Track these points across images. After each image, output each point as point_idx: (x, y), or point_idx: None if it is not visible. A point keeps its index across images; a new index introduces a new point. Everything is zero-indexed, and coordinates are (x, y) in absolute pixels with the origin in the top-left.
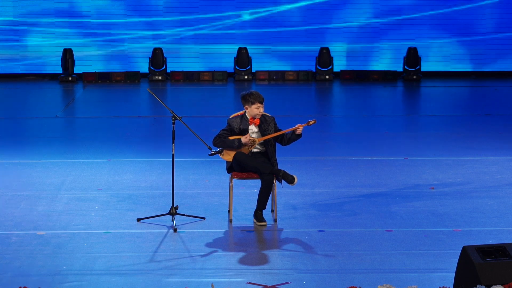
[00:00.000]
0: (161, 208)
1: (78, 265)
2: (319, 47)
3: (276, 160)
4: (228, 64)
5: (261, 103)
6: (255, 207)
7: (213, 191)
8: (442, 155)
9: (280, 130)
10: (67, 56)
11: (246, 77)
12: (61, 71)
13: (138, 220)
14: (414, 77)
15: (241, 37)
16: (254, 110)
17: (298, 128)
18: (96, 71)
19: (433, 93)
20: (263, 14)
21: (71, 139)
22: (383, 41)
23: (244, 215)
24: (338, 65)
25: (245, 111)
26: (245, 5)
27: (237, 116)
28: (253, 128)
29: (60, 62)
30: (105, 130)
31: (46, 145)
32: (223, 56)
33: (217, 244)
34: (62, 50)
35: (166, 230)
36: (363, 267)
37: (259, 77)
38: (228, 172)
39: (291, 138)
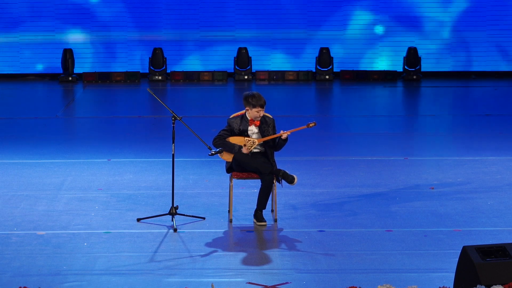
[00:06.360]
0: (161, 208)
1: (78, 265)
2: (319, 47)
3: (274, 160)
4: (228, 64)
5: (262, 107)
6: (255, 207)
7: (213, 191)
8: (442, 155)
9: (276, 133)
10: (67, 56)
11: (246, 77)
12: (61, 71)
13: (138, 220)
14: (414, 77)
15: (241, 37)
16: (255, 113)
17: (282, 135)
18: (96, 71)
19: (433, 93)
20: (263, 14)
21: (71, 139)
22: (383, 41)
23: (244, 215)
24: (338, 65)
25: (245, 112)
26: (245, 5)
27: (237, 116)
28: (253, 129)
29: (60, 62)
30: (105, 130)
31: (46, 145)
32: (223, 56)
33: (217, 244)
34: (62, 50)
35: (166, 230)
36: (363, 267)
37: (259, 77)
38: (227, 172)
39: (278, 143)
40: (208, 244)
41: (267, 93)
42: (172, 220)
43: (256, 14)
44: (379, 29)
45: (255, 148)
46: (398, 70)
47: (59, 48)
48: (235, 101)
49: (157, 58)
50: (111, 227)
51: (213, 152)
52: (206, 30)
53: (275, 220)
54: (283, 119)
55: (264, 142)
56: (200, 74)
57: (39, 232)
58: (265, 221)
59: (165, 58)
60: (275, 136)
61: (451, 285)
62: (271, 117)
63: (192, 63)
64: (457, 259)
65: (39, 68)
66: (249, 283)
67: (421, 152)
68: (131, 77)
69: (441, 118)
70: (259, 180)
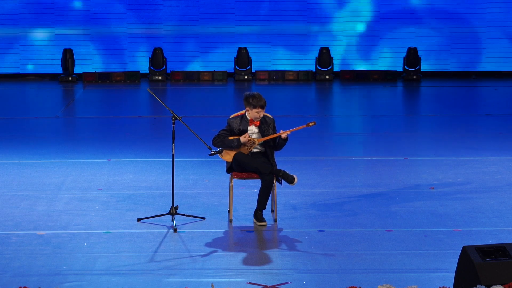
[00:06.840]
0: (161, 208)
1: (78, 265)
2: (319, 47)
3: (274, 160)
4: (228, 64)
5: (262, 107)
6: (255, 207)
7: (213, 191)
8: (442, 155)
9: (276, 133)
10: (67, 56)
11: (246, 77)
12: (61, 71)
13: (138, 220)
14: (414, 77)
15: (241, 37)
16: (255, 113)
17: (282, 135)
18: (96, 71)
19: (433, 93)
20: (264, 14)
21: (71, 139)
22: (383, 41)
23: (244, 215)
24: (338, 65)
25: (245, 112)
26: (245, 5)
27: (237, 116)
28: (253, 129)
29: (60, 62)
30: (105, 130)
31: (46, 145)
32: (223, 56)
33: (217, 244)
34: (62, 50)
35: (166, 230)
36: (363, 267)
37: (259, 77)
38: (227, 172)
39: (279, 143)
40: (208, 244)
41: (267, 93)
42: (172, 220)
43: (256, 14)
44: (379, 29)
45: (255, 148)
46: (398, 70)
47: (59, 48)
48: (235, 101)
49: (157, 58)
50: (111, 227)
51: (213, 152)
52: (207, 30)
53: (275, 220)
54: (283, 119)
55: (264, 142)
56: (200, 74)
57: (39, 232)
58: (265, 221)
59: (165, 58)
60: (275, 135)
61: (451, 285)
62: (271, 117)
63: (192, 63)
64: (457, 259)
65: (39, 68)
66: (249, 283)
67: (421, 152)
68: (131, 77)
69: (441, 118)
70: (259, 180)
